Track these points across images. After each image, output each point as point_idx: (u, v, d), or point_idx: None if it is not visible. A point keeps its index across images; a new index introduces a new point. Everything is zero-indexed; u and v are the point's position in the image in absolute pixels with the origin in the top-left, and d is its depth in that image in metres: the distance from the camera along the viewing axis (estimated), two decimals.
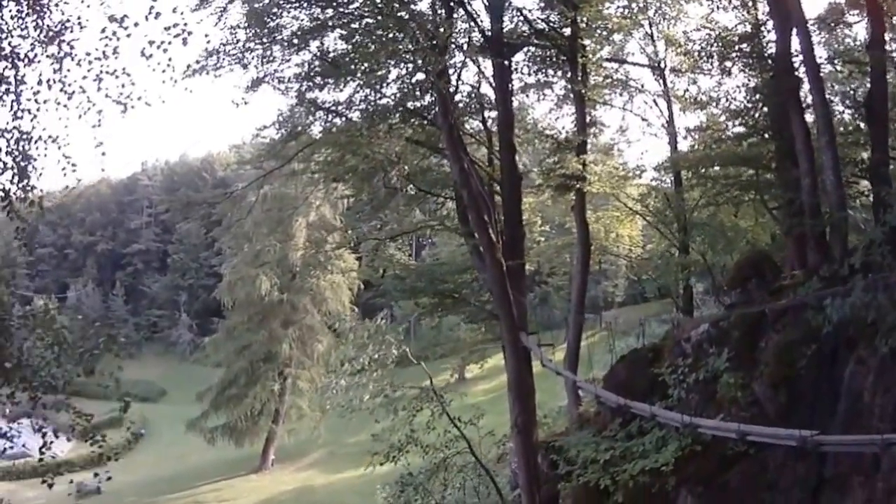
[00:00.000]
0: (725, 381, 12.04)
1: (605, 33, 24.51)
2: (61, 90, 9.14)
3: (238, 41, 17.91)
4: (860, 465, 10.85)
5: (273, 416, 49.67)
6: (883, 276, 11.44)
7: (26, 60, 9.06)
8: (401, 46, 17.45)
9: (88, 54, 9.15)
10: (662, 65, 27.39)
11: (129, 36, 9.17)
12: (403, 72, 19.64)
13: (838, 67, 22.01)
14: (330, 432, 50.32)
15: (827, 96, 20.50)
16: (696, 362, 12.83)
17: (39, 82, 9.12)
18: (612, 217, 30.20)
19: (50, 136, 9.24)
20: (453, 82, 20.40)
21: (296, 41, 18.36)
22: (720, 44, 22.19)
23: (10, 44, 8.98)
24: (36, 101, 9.14)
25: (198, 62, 17.55)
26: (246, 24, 17.81)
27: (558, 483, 16.81)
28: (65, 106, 9.19)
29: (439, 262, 29.58)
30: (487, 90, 21.91)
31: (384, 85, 19.96)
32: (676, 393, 12.78)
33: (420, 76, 19.30)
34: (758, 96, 21.13)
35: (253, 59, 18.60)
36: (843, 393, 11.50)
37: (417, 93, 20.37)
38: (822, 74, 17.33)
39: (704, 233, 24.56)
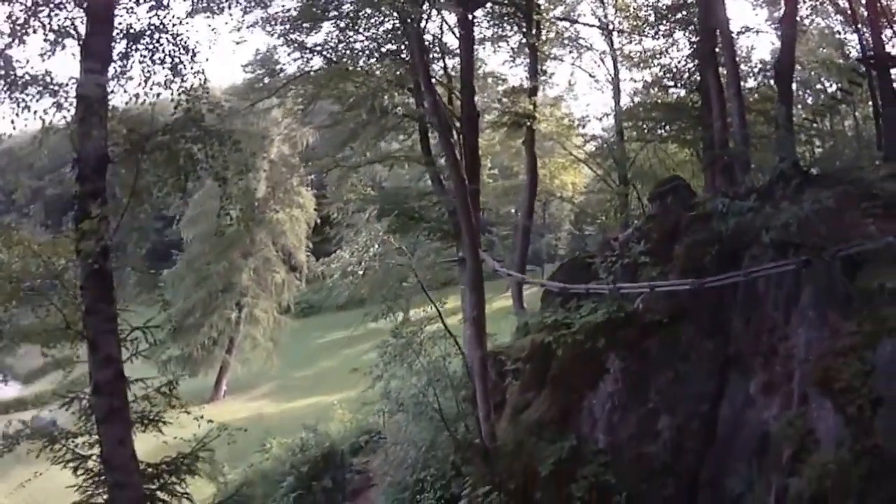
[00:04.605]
0: (644, 262, 14.92)
1: None
2: None
3: None
4: (759, 347, 12.92)
5: (228, 347, 51.14)
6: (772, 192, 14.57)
7: None
8: None
9: None
10: (611, 26, 30.29)
11: None
12: (380, 19, 22.33)
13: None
14: (279, 368, 52.34)
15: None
16: (622, 253, 15.59)
17: None
18: (557, 164, 33.38)
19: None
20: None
21: None
22: (660, 10, 25.55)
23: None
24: None
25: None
26: None
27: (505, 383, 19.61)
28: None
29: (404, 187, 32.46)
30: (449, 39, 25.11)
31: (364, 28, 22.65)
32: (606, 278, 15.49)
33: (392, 23, 22.01)
34: (688, 56, 24.72)
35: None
36: (741, 284, 13.42)
37: (392, 37, 23.06)
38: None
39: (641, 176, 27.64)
